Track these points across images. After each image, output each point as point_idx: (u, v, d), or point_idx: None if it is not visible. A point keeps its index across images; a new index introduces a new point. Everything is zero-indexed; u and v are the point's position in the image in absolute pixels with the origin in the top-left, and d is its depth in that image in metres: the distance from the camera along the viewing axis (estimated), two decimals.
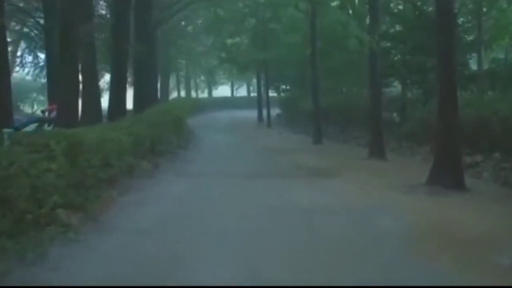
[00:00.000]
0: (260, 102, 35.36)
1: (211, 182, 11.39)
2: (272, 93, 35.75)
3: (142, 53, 18.08)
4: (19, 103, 38.15)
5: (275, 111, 33.35)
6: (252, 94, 53.70)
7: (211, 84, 60.25)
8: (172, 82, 48.75)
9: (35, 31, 25.82)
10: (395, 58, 19.90)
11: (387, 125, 16.44)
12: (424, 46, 16.55)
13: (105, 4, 24.91)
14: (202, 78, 59.63)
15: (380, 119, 15.76)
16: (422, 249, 6.27)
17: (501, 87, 16.57)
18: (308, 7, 21.56)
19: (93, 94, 16.63)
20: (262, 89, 35.43)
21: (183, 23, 37.20)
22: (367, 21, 18.31)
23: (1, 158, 5.73)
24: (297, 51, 25.79)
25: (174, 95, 49.57)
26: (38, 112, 20.45)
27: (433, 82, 12.91)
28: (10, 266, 5.18)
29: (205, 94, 62.09)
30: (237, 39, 35.67)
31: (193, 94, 58.60)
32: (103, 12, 25.35)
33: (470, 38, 20.59)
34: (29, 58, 34.43)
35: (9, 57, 33.93)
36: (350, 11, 22.47)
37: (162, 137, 14.44)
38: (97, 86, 17.96)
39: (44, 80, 25.54)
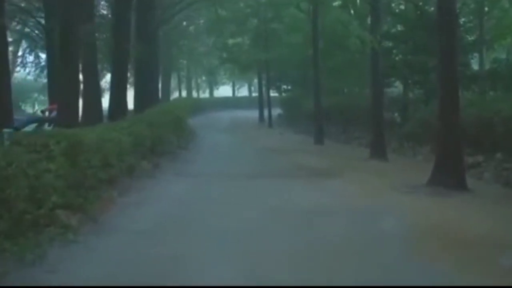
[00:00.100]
0: (261, 102, 35.36)
1: (211, 182, 11.38)
2: (273, 93, 35.75)
3: (143, 53, 18.05)
4: (20, 103, 38.17)
5: (276, 111, 33.35)
6: (253, 94, 53.68)
7: (213, 84, 60.27)
8: (173, 82, 48.74)
9: (36, 31, 25.81)
10: (397, 58, 19.86)
11: (389, 125, 16.42)
12: (426, 46, 16.52)
13: (107, 4, 24.89)
14: (204, 78, 59.62)
15: (382, 119, 15.73)
16: (423, 250, 6.24)
17: (503, 87, 16.52)
18: (310, 7, 21.54)
19: (94, 94, 16.58)
20: (264, 89, 35.43)
21: (184, 23, 37.18)
22: (369, 21, 18.29)
23: None
24: (299, 51, 25.80)
25: (175, 95, 49.57)
26: (39, 113, 20.40)
27: (435, 82, 12.86)
28: (9, 268, 5.15)
29: (206, 94, 62.09)
30: (239, 39, 35.66)
31: (195, 94, 58.58)
32: (105, 12, 25.33)
33: (472, 38, 20.56)
34: (30, 58, 34.46)
35: (10, 57, 34.04)
36: (352, 11, 22.42)
37: (163, 137, 14.41)
38: (98, 86, 17.92)
39: (45, 80, 25.51)
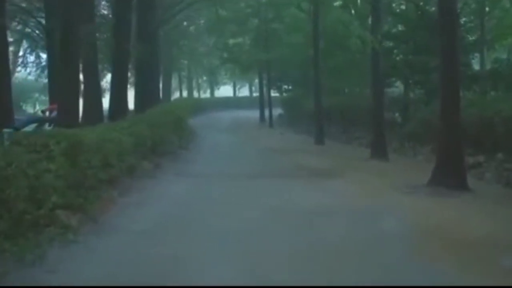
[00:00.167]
0: (262, 102, 35.34)
1: (212, 182, 11.37)
2: (274, 93, 35.73)
3: (144, 53, 18.03)
4: (21, 103, 38.17)
5: (277, 111, 33.33)
6: (254, 94, 53.65)
7: (213, 84, 60.27)
8: (174, 82, 48.73)
9: (37, 31, 25.79)
10: (397, 58, 19.85)
11: (389, 126, 16.41)
12: (427, 46, 16.51)
13: (107, 4, 24.89)
14: (204, 78, 59.63)
15: (382, 119, 15.71)
16: (424, 250, 6.23)
17: (504, 87, 16.50)
18: (311, 7, 21.52)
19: (95, 94, 16.56)
20: (264, 89, 35.41)
21: (185, 23, 37.14)
22: (370, 21, 18.27)
23: None
24: (300, 51, 25.78)
25: (176, 95, 49.58)
26: (39, 113, 20.38)
27: (436, 82, 12.84)
28: (8, 268, 5.14)
29: (207, 94, 62.06)
30: (240, 39, 35.66)
31: (195, 94, 58.57)
32: (105, 12, 25.32)
33: (473, 38, 20.52)
34: (31, 58, 34.43)
35: (11, 57, 34.05)
36: (353, 11, 22.41)
37: (164, 137, 14.40)
38: (99, 86, 17.91)
39: (45, 80, 25.49)
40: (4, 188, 5.46)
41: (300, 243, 6.49)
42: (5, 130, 8.57)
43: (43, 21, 21.15)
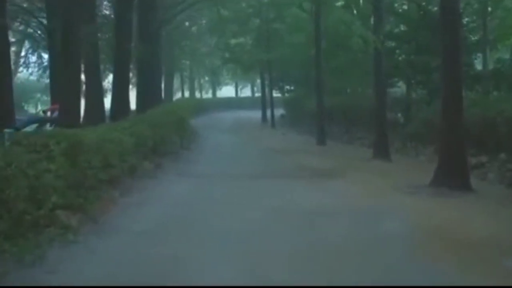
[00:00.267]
0: (264, 103, 35.31)
1: (213, 183, 11.35)
2: (276, 94, 35.70)
3: (145, 53, 18.02)
4: (23, 103, 38.23)
5: (279, 112, 33.32)
6: (256, 95, 53.64)
7: (215, 84, 60.23)
8: (176, 82, 48.70)
9: (39, 32, 25.80)
10: (400, 58, 19.82)
11: (392, 126, 16.36)
12: (429, 46, 16.47)
13: (109, 4, 24.89)
14: (206, 78, 59.60)
15: (385, 119, 15.66)
16: (426, 251, 6.20)
17: (506, 87, 16.48)
18: (312, 7, 21.49)
19: (96, 94, 16.57)
20: (266, 89, 35.36)
21: (187, 23, 37.13)
22: (372, 21, 18.23)
23: None
24: (301, 51, 25.74)
25: (178, 95, 49.58)
26: (41, 113, 20.39)
27: (438, 82, 12.80)
28: (8, 268, 5.12)
29: (209, 95, 62.06)
30: (241, 39, 35.62)
31: (197, 94, 58.58)
32: (107, 12, 25.32)
33: (475, 38, 20.48)
34: (33, 58, 34.46)
35: (13, 58, 34.08)
36: (355, 11, 22.37)
37: (165, 138, 14.37)
38: (100, 86, 17.91)
39: (47, 80, 25.52)
40: (4, 188, 5.44)
41: (301, 244, 6.47)
42: (6, 130, 8.55)
43: (45, 21, 21.15)
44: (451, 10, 10.69)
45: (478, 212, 8.30)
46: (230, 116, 37.60)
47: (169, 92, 38.58)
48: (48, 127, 13.78)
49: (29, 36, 29.59)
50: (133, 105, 20.21)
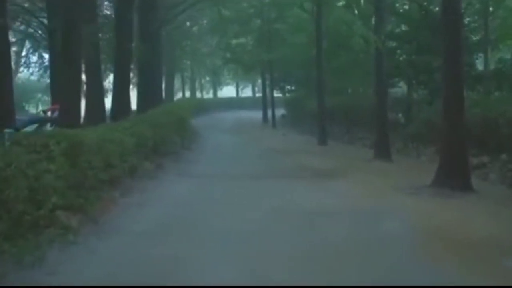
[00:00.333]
0: (265, 103, 35.28)
1: (214, 183, 11.35)
2: (277, 94, 35.67)
3: (146, 53, 17.99)
4: (24, 103, 38.21)
5: (280, 112, 33.29)
6: (257, 95, 53.61)
7: (216, 84, 60.23)
8: (177, 82, 48.70)
9: (39, 31, 25.77)
10: (401, 58, 19.77)
11: (393, 126, 16.32)
12: (430, 46, 16.42)
13: (110, 4, 24.86)
14: (207, 78, 59.59)
15: (386, 119, 15.62)
16: (427, 251, 6.19)
17: (508, 87, 16.42)
18: (314, 7, 21.46)
19: (97, 94, 16.54)
20: (267, 89, 35.33)
21: (188, 23, 37.09)
22: (373, 21, 18.20)
23: None
24: (302, 51, 25.71)
25: (179, 95, 49.57)
26: (41, 113, 20.38)
27: (439, 82, 12.76)
28: (7, 270, 5.10)
29: (210, 95, 62.05)
30: (242, 40, 35.59)
31: (198, 94, 58.57)
32: (108, 12, 25.30)
33: (477, 38, 20.44)
34: (34, 58, 34.43)
35: (14, 58, 34.03)
36: (356, 11, 22.34)
37: (166, 138, 14.35)
38: (101, 86, 17.88)
39: (48, 81, 25.50)
40: (4, 189, 5.42)
41: (302, 244, 6.46)
42: (6, 130, 8.52)
43: (46, 21, 21.12)
44: (453, 10, 10.66)
45: (479, 213, 8.28)
46: (231, 116, 37.60)
47: (170, 92, 38.55)
48: (48, 127, 13.76)
49: (30, 36, 29.55)
50: (134, 105, 20.19)
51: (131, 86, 18.84)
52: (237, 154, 17.45)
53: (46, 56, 28.46)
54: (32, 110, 38.75)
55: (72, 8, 11.26)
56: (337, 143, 20.59)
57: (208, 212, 8.29)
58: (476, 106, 12.23)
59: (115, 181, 9.14)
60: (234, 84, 61.62)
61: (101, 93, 17.13)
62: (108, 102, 17.83)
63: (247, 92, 63.34)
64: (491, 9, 20.99)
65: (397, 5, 22.02)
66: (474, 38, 20.03)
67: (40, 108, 36.97)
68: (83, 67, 15.67)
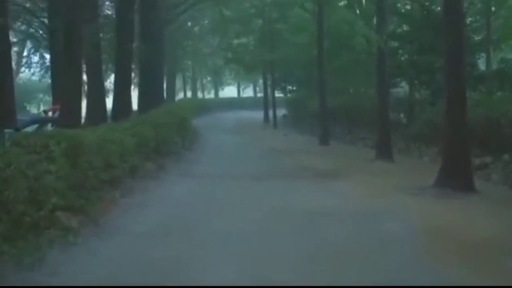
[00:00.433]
0: (266, 103, 35.27)
1: (216, 183, 11.33)
2: (278, 94, 35.65)
3: (147, 53, 17.96)
4: (25, 104, 38.21)
5: (281, 112, 33.29)
6: (258, 95, 53.62)
7: (218, 84, 60.26)
8: (178, 82, 48.73)
9: (40, 31, 25.76)
10: (402, 58, 19.72)
11: (395, 126, 16.28)
12: (432, 46, 16.37)
13: (111, 4, 24.85)
14: (209, 78, 59.62)
15: (388, 119, 15.58)
16: (429, 252, 6.15)
17: (510, 87, 16.35)
18: (315, 7, 21.43)
19: (98, 94, 16.55)
20: (269, 89, 35.32)
21: (189, 23, 37.10)
22: (374, 21, 18.16)
23: None
24: (304, 51, 25.67)
25: (180, 95, 49.60)
26: (42, 113, 20.36)
27: (441, 82, 12.72)
28: (7, 271, 5.07)
29: (211, 95, 62.09)
30: (244, 40, 35.59)
31: (200, 94, 58.60)
32: (109, 12, 25.28)
33: (479, 37, 20.38)
34: (35, 59, 34.45)
35: (16, 58, 34.06)
36: (357, 11, 22.30)
37: (167, 138, 14.32)
38: (102, 86, 17.87)
39: (49, 81, 25.48)
40: (3, 190, 5.38)
41: (303, 245, 6.43)
42: (6, 130, 8.49)
43: (47, 21, 21.10)
44: (455, 10, 10.61)
45: (481, 214, 8.25)
46: (232, 117, 37.60)
47: (171, 92, 38.57)
48: (49, 127, 13.73)
49: (31, 36, 29.54)
50: (135, 105, 20.17)
51: (132, 86, 18.82)
52: (238, 154, 17.43)
53: (48, 56, 28.46)
54: (34, 110, 38.76)
55: (73, 8, 11.24)
56: (338, 143, 20.55)
57: (209, 213, 8.27)
58: (478, 106, 12.18)
59: (116, 181, 9.11)
60: (236, 84, 61.65)
61: (102, 93, 17.13)
62: (109, 102, 17.82)
63: (248, 92, 63.37)
64: (493, 8, 20.93)
65: (398, 5, 21.98)
66: (476, 38, 19.98)
67: (42, 108, 37.02)
68: (84, 67, 15.67)
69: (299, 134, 25.72)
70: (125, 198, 8.96)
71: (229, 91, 62.66)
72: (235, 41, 35.13)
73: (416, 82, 18.98)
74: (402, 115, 18.10)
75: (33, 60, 34.95)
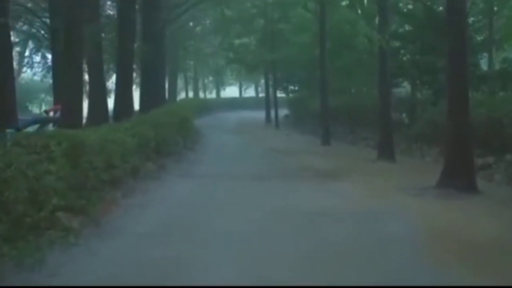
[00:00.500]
0: (268, 103, 35.25)
1: (217, 184, 11.30)
2: (280, 94, 35.64)
3: (149, 53, 17.96)
4: (27, 104, 38.26)
5: (283, 112, 33.28)
6: (260, 95, 53.63)
7: (219, 84, 60.28)
8: (180, 82, 48.77)
9: (42, 31, 25.79)
10: (405, 58, 19.68)
11: (397, 126, 16.24)
12: (434, 46, 16.34)
13: (113, 4, 24.86)
14: (210, 78, 59.67)
15: (389, 119, 15.54)
16: (430, 253, 6.12)
17: None
18: (317, 7, 21.40)
19: (100, 94, 16.55)
20: (270, 89, 35.31)
21: (191, 23, 37.12)
22: (377, 21, 18.13)
23: None
24: (306, 51, 25.64)
25: (182, 95, 49.63)
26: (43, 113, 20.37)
27: (443, 82, 12.69)
28: (7, 272, 5.06)
29: (213, 95, 62.11)
30: (245, 40, 35.58)
31: (201, 94, 58.62)
32: (111, 12, 25.30)
33: (481, 37, 20.33)
34: (37, 59, 34.50)
35: (17, 58, 34.08)
36: (359, 11, 22.25)
37: (168, 138, 14.29)
38: (104, 86, 17.88)
39: (51, 81, 25.52)
40: (3, 190, 5.36)
41: (304, 245, 6.41)
42: (8, 130, 8.48)
43: (48, 21, 21.11)
44: (458, 11, 10.56)
45: (484, 214, 8.20)
46: (234, 117, 37.58)
47: (173, 92, 38.60)
48: (51, 127, 13.72)
49: (33, 36, 29.58)
50: (136, 106, 20.16)
51: (134, 86, 18.83)
52: (240, 155, 17.40)
53: (49, 56, 28.48)
54: (36, 110, 38.80)
55: (73, 8, 11.24)
56: (340, 144, 20.52)
57: (210, 213, 8.25)
58: (481, 106, 12.14)
59: (117, 181, 9.08)
60: (237, 84, 61.68)
61: (104, 93, 17.14)
62: (111, 102, 17.81)
63: (250, 92, 63.35)
64: (495, 8, 20.86)
65: (400, 4, 21.93)
66: (478, 38, 19.92)
67: (44, 108, 37.06)
68: (85, 67, 15.66)
69: (301, 134, 25.69)
70: (126, 198, 8.94)
71: (230, 91, 62.68)
72: (237, 41, 35.12)
73: (418, 82, 18.94)
74: (404, 115, 18.06)
75: (35, 60, 35.05)
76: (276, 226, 7.39)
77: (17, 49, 31.95)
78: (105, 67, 19.76)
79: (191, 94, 52.77)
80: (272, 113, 32.81)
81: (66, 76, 11.26)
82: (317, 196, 9.62)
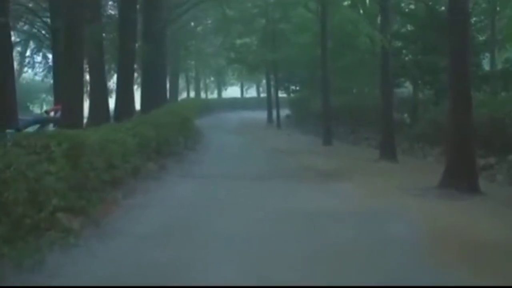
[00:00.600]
0: (269, 103, 35.22)
1: (218, 184, 11.28)
2: (281, 94, 35.62)
3: (150, 53, 17.94)
4: (28, 104, 38.28)
5: (284, 112, 33.26)
6: (261, 95, 53.60)
7: (221, 84, 60.29)
8: (181, 82, 48.75)
9: (43, 31, 25.80)
10: (406, 58, 19.66)
11: (398, 126, 16.22)
12: (436, 46, 16.31)
13: (114, 4, 24.86)
14: (212, 78, 59.67)
15: (391, 119, 15.51)
16: (431, 253, 6.09)
17: None
18: (318, 6, 21.37)
19: (101, 94, 16.53)
20: (272, 89, 35.29)
21: (192, 23, 37.12)
22: (378, 20, 18.10)
23: None
24: (307, 51, 25.60)
25: (183, 95, 49.65)
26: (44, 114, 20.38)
27: (445, 82, 12.65)
28: (6, 273, 5.03)
29: (214, 95, 62.11)
30: (247, 40, 35.57)
31: (203, 94, 58.62)
32: (112, 12, 25.30)
33: (483, 37, 20.30)
34: (38, 59, 34.53)
35: (18, 58, 34.09)
36: (361, 11, 22.22)
37: (169, 138, 14.26)
38: (105, 86, 17.87)
39: (52, 81, 25.53)
40: (3, 191, 5.32)
41: (306, 246, 6.38)
42: (8, 130, 8.46)
43: (49, 21, 21.12)
44: (460, 11, 10.51)
45: (486, 215, 8.18)
46: (235, 117, 37.58)
47: (175, 92, 38.59)
48: (51, 127, 13.70)
49: (34, 36, 29.60)
50: (138, 106, 20.16)
51: (135, 86, 18.82)
52: (241, 155, 17.38)
53: (50, 56, 28.50)
54: (37, 110, 38.83)
55: (73, 8, 11.21)
56: (342, 144, 20.50)
57: (211, 213, 8.22)
58: (483, 106, 12.10)
59: (118, 182, 9.05)
60: (239, 84, 61.71)
61: (105, 93, 17.12)
62: (112, 102, 17.79)
63: (251, 93, 63.36)
64: (498, 8, 20.82)
65: (402, 4, 21.91)
66: (480, 38, 19.90)
67: (44, 108, 37.07)
68: (86, 67, 15.66)
69: (302, 134, 25.67)
70: (127, 199, 8.91)
71: (232, 91, 62.68)
72: (238, 41, 35.09)
73: (420, 82, 18.92)
74: (406, 115, 18.04)
75: (35, 60, 35.10)
76: (277, 226, 7.36)
77: (18, 49, 31.97)
78: (106, 67, 19.79)
79: (192, 94, 52.78)
80: (274, 113, 32.81)
81: (67, 76, 11.24)
82: (318, 196, 9.59)
